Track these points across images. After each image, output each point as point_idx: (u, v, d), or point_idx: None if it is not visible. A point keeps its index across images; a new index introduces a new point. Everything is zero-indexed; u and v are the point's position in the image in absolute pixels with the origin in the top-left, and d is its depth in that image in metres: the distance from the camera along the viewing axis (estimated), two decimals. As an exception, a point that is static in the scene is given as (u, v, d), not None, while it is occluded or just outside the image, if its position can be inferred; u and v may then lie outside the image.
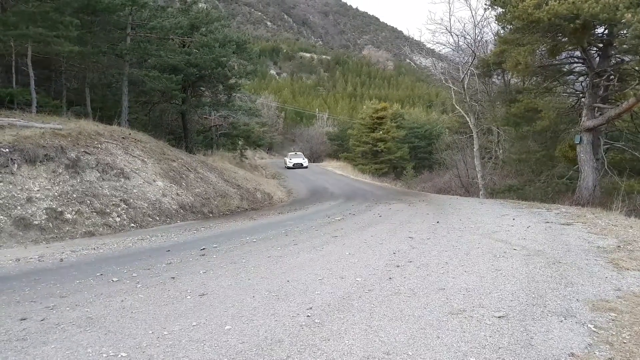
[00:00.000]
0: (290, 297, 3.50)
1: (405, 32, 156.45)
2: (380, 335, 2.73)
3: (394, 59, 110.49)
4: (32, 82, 11.55)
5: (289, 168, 29.42)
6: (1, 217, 6.48)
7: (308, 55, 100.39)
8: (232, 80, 19.06)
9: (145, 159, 10.48)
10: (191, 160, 13.44)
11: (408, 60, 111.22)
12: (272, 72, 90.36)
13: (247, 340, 2.70)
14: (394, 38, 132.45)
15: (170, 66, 15.27)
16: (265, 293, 3.64)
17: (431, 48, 31.67)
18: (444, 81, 22.35)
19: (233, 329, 2.88)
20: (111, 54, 14.49)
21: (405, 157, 38.49)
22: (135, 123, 15.46)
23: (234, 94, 20.66)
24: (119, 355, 2.51)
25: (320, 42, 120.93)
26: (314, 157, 42.50)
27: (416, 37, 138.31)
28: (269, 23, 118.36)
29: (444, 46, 22.89)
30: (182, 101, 18.00)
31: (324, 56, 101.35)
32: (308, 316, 3.08)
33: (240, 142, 25.88)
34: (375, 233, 6.46)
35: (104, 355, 2.53)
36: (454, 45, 21.28)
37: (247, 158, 25.46)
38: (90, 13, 12.92)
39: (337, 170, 30.80)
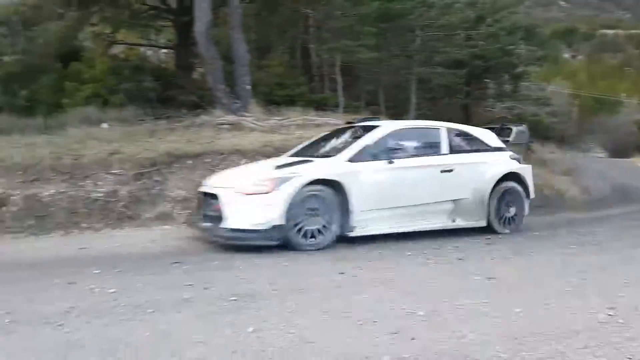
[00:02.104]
0: (588, 295, 3.27)
1: None
2: None
3: None
4: (340, 88, 13.90)
5: None
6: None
7: (611, 32, 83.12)
8: (519, 69, 17.95)
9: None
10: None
11: None
12: (565, 55, 79.34)
13: (539, 325, 2.69)
14: None
15: (455, 61, 15.59)
16: (557, 286, 3.49)
17: None
18: None
19: (523, 312, 2.89)
20: (402, 56, 15.92)
21: None
22: (421, 118, 16.55)
23: (521, 84, 19.46)
24: (418, 313, 2.88)
25: (629, 15, 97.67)
26: (617, 151, 35.21)
27: None
28: (562, 2, 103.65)
29: None
30: (466, 94, 18.12)
31: (632, 31, 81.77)
32: (609, 315, 2.84)
33: (527, 134, 24.05)
34: None
35: (405, 310, 2.94)
36: None
37: (534, 152, 23.41)
38: (384, 21, 14.54)
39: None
